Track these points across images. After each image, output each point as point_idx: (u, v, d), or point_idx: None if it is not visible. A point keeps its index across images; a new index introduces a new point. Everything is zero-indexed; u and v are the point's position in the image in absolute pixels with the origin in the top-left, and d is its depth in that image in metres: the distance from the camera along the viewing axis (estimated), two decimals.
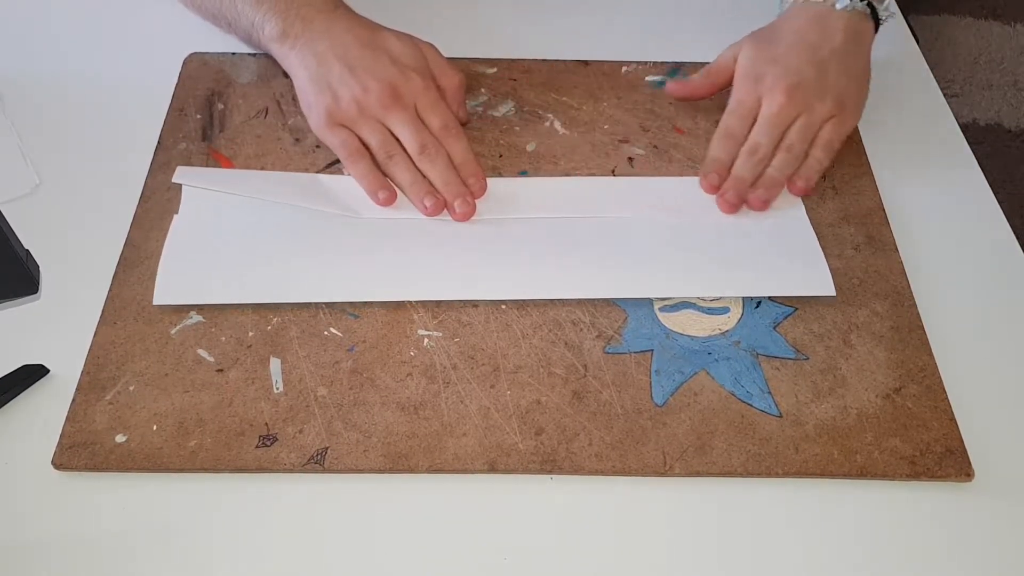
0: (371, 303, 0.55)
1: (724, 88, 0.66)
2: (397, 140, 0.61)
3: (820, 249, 0.58)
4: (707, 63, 0.70)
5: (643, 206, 0.61)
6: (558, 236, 0.59)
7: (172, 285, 0.55)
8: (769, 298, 0.57)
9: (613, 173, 0.63)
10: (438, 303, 0.56)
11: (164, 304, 0.55)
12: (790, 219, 0.60)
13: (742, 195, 0.60)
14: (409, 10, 0.75)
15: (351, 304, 0.55)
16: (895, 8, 0.65)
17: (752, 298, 0.56)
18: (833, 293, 0.56)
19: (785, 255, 0.58)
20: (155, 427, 0.50)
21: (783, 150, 0.61)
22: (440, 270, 0.57)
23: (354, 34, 0.62)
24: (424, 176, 0.60)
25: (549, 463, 0.49)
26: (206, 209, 0.60)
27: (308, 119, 0.63)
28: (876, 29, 0.65)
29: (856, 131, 0.66)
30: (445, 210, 0.60)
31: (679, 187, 0.62)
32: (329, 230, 0.59)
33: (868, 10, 0.64)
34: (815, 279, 0.57)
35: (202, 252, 0.57)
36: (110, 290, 0.56)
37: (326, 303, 0.55)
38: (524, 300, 0.56)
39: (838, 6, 0.63)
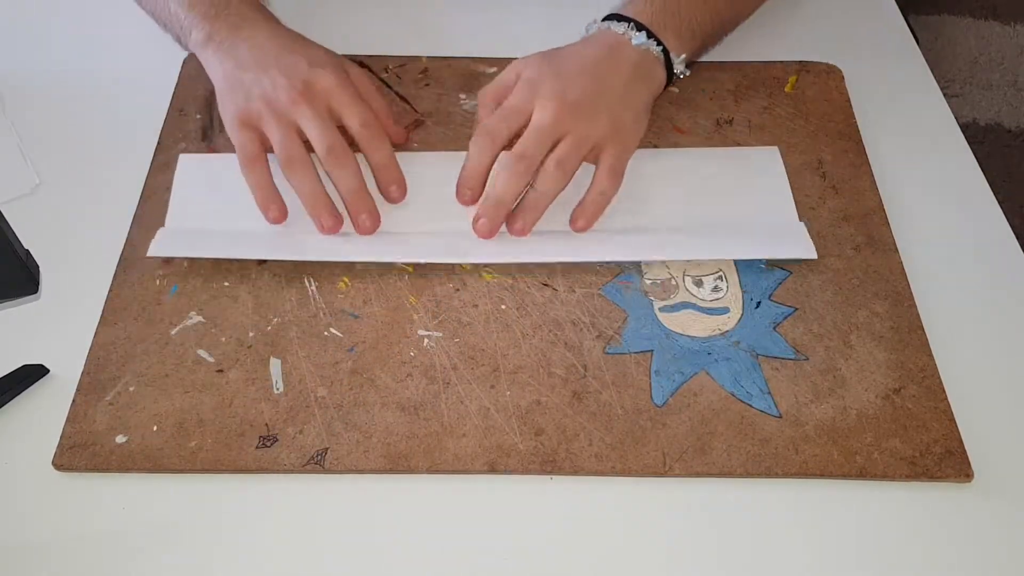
0: (371, 304, 0.55)
1: None
2: (307, 142, 0.58)
3: (796, 215, 0.60)
4: (708, 62, 0.70)
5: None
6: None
7: (167, 239, 0.57)
8: (770, 298, 0.57)
9: None
10: (437, 303, 0.56)
11: (156, 256, 0.56)
12: (769, 183, 0.62)
13: (498, 221, 0.57)
14: (410, 10, 0.75)
15: (351, 303, 0.56)
16: (687, 71, 0.64)
17: (752, 298, 0.57)
18: (815, 255, 0.58)
19: (766, 222, 0.60)
20: (155, 428, 0.50)
21: (551, 164, 0.57)
22: (427, 230, 0.58)
23: (276, 40, 0.61)
24: (330, 180, 0.58)
25: (549, 464, 0.49)
26: (200, 179, 0.61)
27: (224, 122, 0.60)
28: (670, 81, 0.64)
29: (856, 131, 0.66)
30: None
31: (654, 159, 0.63)
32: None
33: (662, 56, 0.62)
34: (799, 244, 0.58)
35: (200, 212, 0.59)
36: (110, 290, 0.56)
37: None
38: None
39: (634, 41, 0.61)
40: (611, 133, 0.59)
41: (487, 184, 0.58)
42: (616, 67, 0.61)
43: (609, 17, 0.64)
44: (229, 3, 0.62)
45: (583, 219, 0.58)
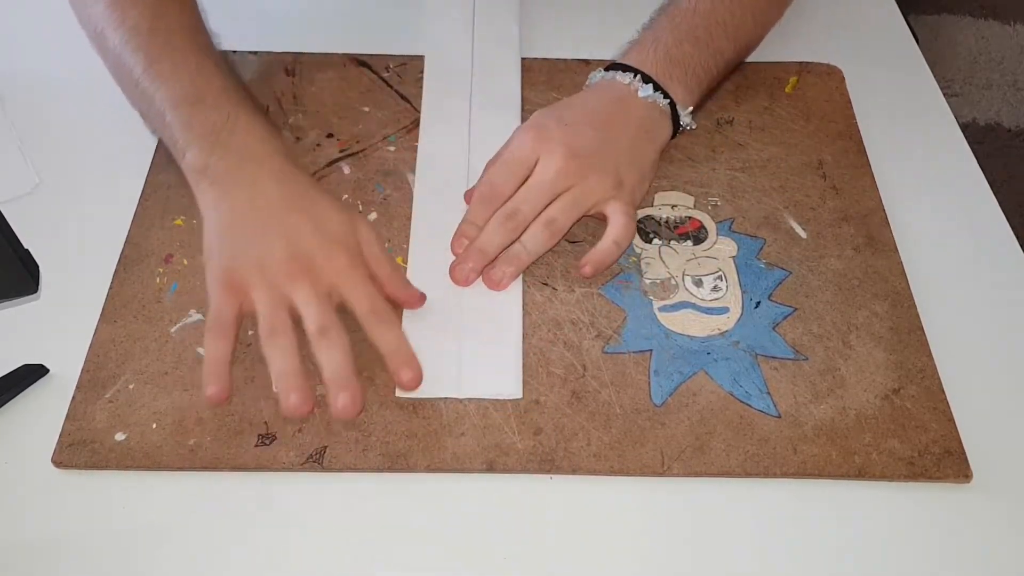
0: None
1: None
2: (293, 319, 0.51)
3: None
4: None
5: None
6: None
7: None
8: (769, 298, 0.57)
9: None
10: None
11: None
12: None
13: (477, 270, 0.55)
14: (409, 9, 0.75)
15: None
16: (693, 123, 0.63)
17: (752, 298, 0.57)
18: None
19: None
20: (155, 425, 0.50)
21: (540, 223, 0.56)
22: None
23: (282, 191, 0.53)
24: (312, 363, 0.50)
25: (548, 463, 0.49)
26: None
27: (206, 271, 0.52)
28: (675, 133, 0.62)
29: (856, 131, 0.66)
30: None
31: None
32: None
33: (668, 109, 0.60)
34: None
35: None
36: (110, 288, 0.56)
37: None
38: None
39: (640, 93, 0.60)
40: (615, 192, 0.57)
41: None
42: (624, 121, 0.59)
43: (613, 67, 0.62)
44: (234, 130, 0.54)
45: (591, 265, 0.56)
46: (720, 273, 0.58)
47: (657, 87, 0.60)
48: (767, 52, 0.72)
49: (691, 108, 0.62)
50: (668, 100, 0.60)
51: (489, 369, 0.53)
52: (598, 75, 0.62)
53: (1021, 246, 0.61)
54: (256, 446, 0.50)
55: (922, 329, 0.55)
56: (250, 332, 0.54)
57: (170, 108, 0.55)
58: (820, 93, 0.69)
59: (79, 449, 0.49)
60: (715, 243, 0.60)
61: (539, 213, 0.56)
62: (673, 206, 0.62)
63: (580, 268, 0.56)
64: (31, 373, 0.52)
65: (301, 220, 0.52)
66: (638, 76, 0.60)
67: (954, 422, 0.51)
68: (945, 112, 0.69)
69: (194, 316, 0.55)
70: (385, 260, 0.54)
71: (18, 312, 0.55)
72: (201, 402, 0.51)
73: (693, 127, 0.63)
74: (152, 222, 0.60)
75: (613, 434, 0.50)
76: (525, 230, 0.56)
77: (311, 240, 0.52)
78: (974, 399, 0.53)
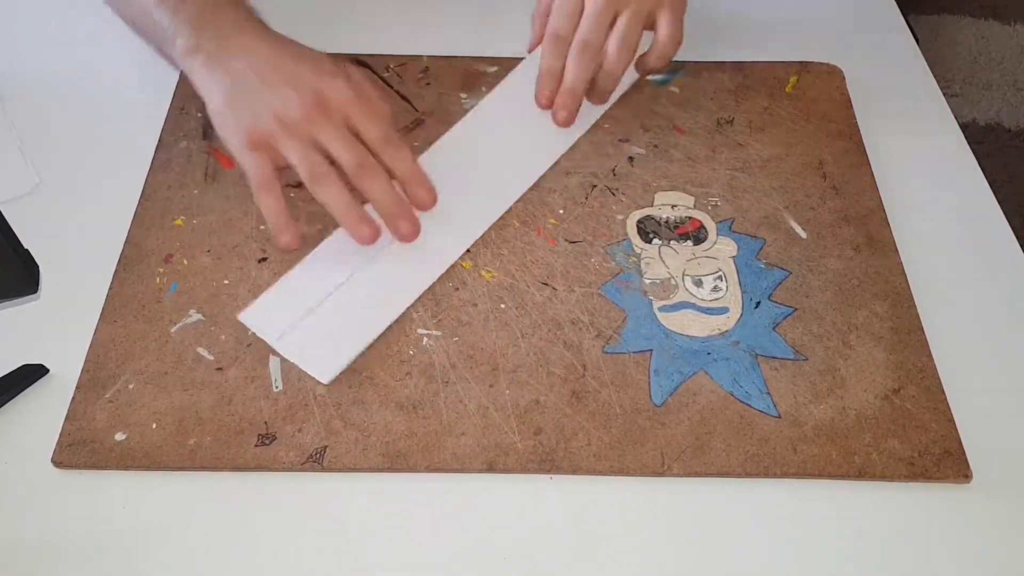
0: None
1: None
2: (326, 158, 0.55)
3: None
4: (708, 62, 0.70)
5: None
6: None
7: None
8: (769, 298, 0.57)
9: (613, 173, 0.63)
10: (437, 302, 0.56)
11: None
12: None
13: (575, 108, 0.63)
14: (410, 8, 0.75)
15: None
16: None
17: (752, 298, 0.57)
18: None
19: None
20: (154, 425, 0.50)
21: (614, 44, 0.62)
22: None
23: (274, 49, 0.56)
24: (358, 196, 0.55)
25: (548, 463, 0.49)
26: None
27: (227, 144, 0.55)
28: None
29: (856, 131, 0.66)
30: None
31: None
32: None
33: None
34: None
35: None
36: (110, 288, 0.56)
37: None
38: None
39: None
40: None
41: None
42: None
43: None
44: (217, 10, 0.57)
45: (644, 67, 0.65)
46: (720, 273, 0.58)
47: None
48: (767, 52, 0.72)
49: None
50: None
51: (321, 347, 0.53)
52: None
53: (1021, 246, 0.61)
54: (256, 446, 0.50)
55: (922, 329, 0.55)
56: (250, 332, 0.54)
57: (155, 5, 0.58)
58: (820, 93, 0.69)
59: (79, 449, 0.49)
60: (715, 243, 0.60)
61: (605, 35, 0.62)
62: (673, 206, 0.62)
63: (637, 66, 0.66)
64: (31, 373, 0.52)
65: (300, 67, 0.55)
66: None
67: (954, 422, 0.51)
68: (945, 112, 0.69)
69: (194, 316, 0.55)
70: (380, 97, 0.57)
71: (18, 312, 0.55)
72: (201, 402, 0.51)
73: None
74: (152, 222, 0.60)
75: (613, 434, 0.50)
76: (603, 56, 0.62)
77: (314, 80, 0.55)
78: (974, 399, 0.53)
